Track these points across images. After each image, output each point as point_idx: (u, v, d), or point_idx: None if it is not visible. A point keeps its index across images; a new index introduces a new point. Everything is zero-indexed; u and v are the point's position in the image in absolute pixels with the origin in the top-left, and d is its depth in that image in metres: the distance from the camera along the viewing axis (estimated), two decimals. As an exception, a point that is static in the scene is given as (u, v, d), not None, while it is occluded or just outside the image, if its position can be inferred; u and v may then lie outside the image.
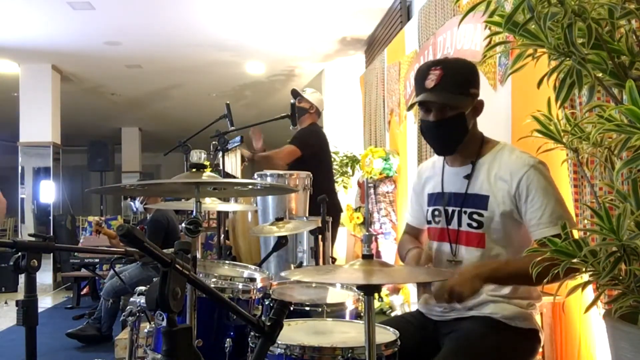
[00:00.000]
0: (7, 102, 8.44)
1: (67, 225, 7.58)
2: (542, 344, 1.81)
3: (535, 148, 1.54)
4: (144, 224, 4.68)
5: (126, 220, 9.31)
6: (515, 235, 1.74)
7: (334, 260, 3.32)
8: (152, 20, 5.68)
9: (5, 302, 6.25)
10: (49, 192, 7.62)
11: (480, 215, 1.74)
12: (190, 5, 5.26)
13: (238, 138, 3.43)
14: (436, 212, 1.87)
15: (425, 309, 1.89)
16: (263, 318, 1.41)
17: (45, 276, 7.29)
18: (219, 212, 3.47)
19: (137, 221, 7.92)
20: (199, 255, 2.10)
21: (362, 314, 1.98)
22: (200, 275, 2.03)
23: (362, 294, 1.57)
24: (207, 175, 1.77)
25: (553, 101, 1.28)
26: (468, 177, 1.78)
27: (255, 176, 3.46)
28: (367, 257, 1.41)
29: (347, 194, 6.20)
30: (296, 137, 3.93)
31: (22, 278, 1.59)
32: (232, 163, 3.96)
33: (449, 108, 1.72)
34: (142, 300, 1.99)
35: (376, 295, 1.34)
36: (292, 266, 3.02)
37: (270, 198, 3.44)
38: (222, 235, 3.46)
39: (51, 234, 4.06)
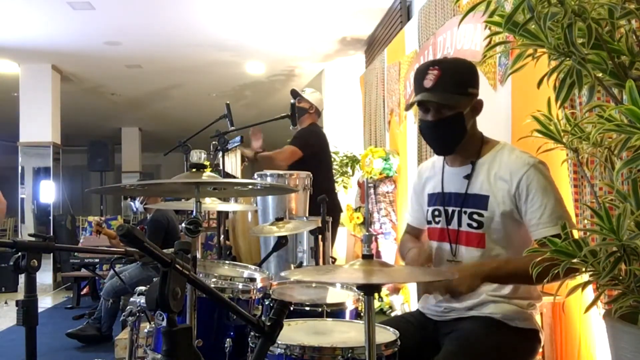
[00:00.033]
0: (7, 102, 8.44)
1: (67, 225, 7.58)
2: (542, 344, 1.81)
3: (535, 148, 1.54)
4: (144, 224, 4.68)
5: (126, 220, 9.31)
6: (515, 235, 1.74)
7: (334, 260, 3.32)
8: (152, 20, 5.68)
9: (5, 302, 6.25)
10: (49, 192, 7.62)
11: (481, 215, 1.74)
12: (190, 5, 5.26)
13: (238, 138, 3.43)
14: (436, 212, 1.87)
15: (426, 309, 1.89)
16: (263, 318, 1.41)
17: (45, 276, 7.29)
18: (219, 212, 3.47)
19: (137, 221, 7.92)
20: (199, 255, 2.10)
21: (362, 314, 1.98)
22: (200, 275, 2.03)
23: (362, 294, 1.57)
24: (207, 175, 1.77)
25: (553, 101, 1.28)
26: (468, 177, 1.78)
27: (255, 176, 3.46)
28: (367, 257, 1.41)
29: (347, 194, 6.20)
30: (296, 137, 3.93)
31: (22, 278, 1.59)
32: (232, 163, 3.96)
33: (446, 108, 1.72)
34: (142, 300, 1.99)
35: (376, 295, 1.34)
36: (292, 266, 3.02)
37: (270, 198, 3.44)
38: (222, 236, 3.46)
39: (51, 234, 4.06)
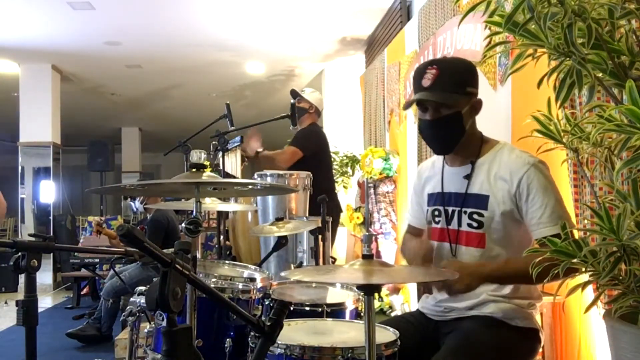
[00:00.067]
0: (7, 102, 8.44)
1: (67, 225, 7.58)
2: (542, 344, 1.81)
3: (535, 148, 1.54)
4: (144, 224, 4.68)
5: (126, 220, 9.31)
6: (516, 235, 1.74)
7: (334, 260, 3.32)
8: (152, 20, 5.68)
9: (5, 302, 6.25)
10: (49, 192, 7.62)
11: (481, 215, 1.74)
12: (190, 5, 5.26)
13: (238, 138, 3.43)
14: (436, 212, 1.87)
15: (426, 309, 1.89)
16: (263, 318, 1.41)
17: (45, 276, 7.29)
18: (219, 212, 3.47)
19: (137, 221, 7.92)
20: (199, 255, 2.10)
21: (362, 314, 1.98)
22: (200, 275, 2.03)
23: (362, 294, 1.57)
24: (207, 175, 1.77)
25: (553, 101, 1.28)
26: (468, 177, 1.78)
27: (255, 176, 3.47)
28: (367, 257, 1.41)
29: (347, 194, 6.20)
30: (297, 137, 3.93)
31: (22, 278, 1.59)
32: (232, 163, 3.96)
33: (445, 107, 1.72)
34: (142, 300, 1.99)
35: (376, 295, 1.34)
36: (292, 266, 3.02)
37: (270, 198, 3.44)
38: (222, 236, 3.46)
39: (51, 234, 4.06)
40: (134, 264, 4.50)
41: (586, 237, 1.35)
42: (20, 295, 1.63)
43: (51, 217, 7.56)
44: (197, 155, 1.83)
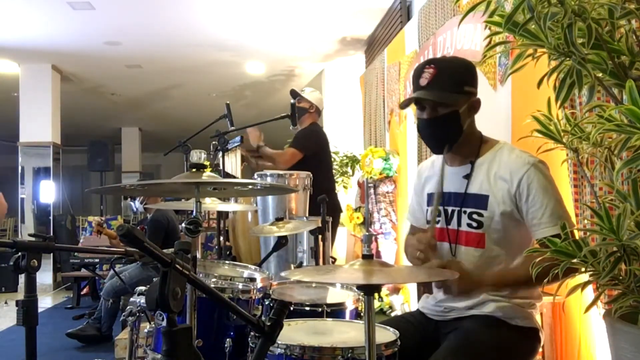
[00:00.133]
0: (7, 102, 8.44)
1: (67, 225, 7.58)
2: (542, 343, 1.81)
3: (535, 148, 1.54)
4: (144, 224, 4.68)
5: (126, 220, 9.32)
6: (515, 235, 1.74)
7: (334, 260, 3.32)
8: (152, 20, 5.68)
9: (5, 302, 6.25)
10: (49, 192, 7.62)
11: (480, 215, 1.74)
12: (190, 5, 5.26)
13: (238, 138, 3.43)
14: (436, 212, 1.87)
15: (426, 308, 1.89)
16: (263, 318, 1.41)
17: (45, 276, 7.28)
18: (219, 212, 3.47)
19: (137, 221, 7.93)
20: (199, 255, 2.10)
21: (362, 314, 1.98)
22: (200, 275, 2.03)
23: (362, 294, 1.57)
24: (207, 175, 1.77)
25: (553, 101, 1.28)
26: (467, 176, 1.78)
27: (255, 176, 3.47)
28: (367, 257, 1.41)
29: (347, 194, 6.20)
30: (297, 137, 3.93)
31: (22, 278, 1.59)
32: (232, 163, 3.97)
33: (442, 106, 1.72)
34: (142, 300, 1.99)
35: (376, 295, 1.34)
36: (292, 266, 3.02)
37: (270, 198, 3.44)
38: (222, 236, 3.46)
39: (51, 234, 4.06)
40: (134, 264, 4.50)
41: (586, 237, 1.35)
42: (20, 295, 1.63)
43: (51, 217, 7.56)
44: (197, 155, 1.83)
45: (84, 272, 5.98)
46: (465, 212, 1.77)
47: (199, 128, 3.48)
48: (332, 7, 5.36)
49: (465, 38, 3.21)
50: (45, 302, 6.47)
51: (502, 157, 1.75)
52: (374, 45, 6.16)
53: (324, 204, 2.74)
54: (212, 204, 2.20)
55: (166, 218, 4.48)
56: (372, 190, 4.89)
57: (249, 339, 1.68)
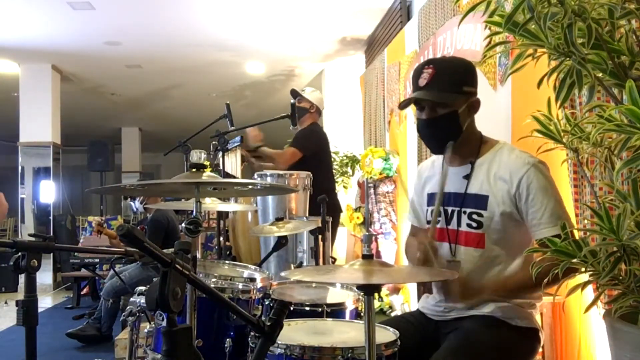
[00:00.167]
0: (7, 102, 8.44)
1: (67, 225, 7.58)
2: (542, 344, 1.81)
3: (535, 148, 1.54)
4: (144, 224, 4.68)
5: (126, 220, 9.32)
6: (515, 235, 1.74)
7: (334, 260, 3.32)
8: (152, 20, 5.68)
9: (5, 302, 6.25)
10: (49, 192, 7.62)
11: (480, 215, 1.74)
12: (190, 5, 5.26)
13: (238, 138, 3.43)
14: (436, 212, 1.87)
15: (426, 308, 1.89)
16: (263, 318, 1.41)
17: (45, 276, 7.28)
18: (219, 212, 3.47)
19: (137, 221, 7.93)
20: (199, 255, 2.10)
21: (362, 314, 1.98)
22: (200, 275, 2.03)
23: (362, 294, 1.57)
24: (207, 175, 1.77)
25: (553, 101, 1.28)
26: (467, 177, 1.78)
27: (255, 176, 3.47)
28: (367, 257, 1.41)
29: (347, 194, 6.20)
30: (297, 137, 3.93)
31: (22, 278, 1.59)
32: (232, 163, 3.96)
33: (440, 106, 1.72)
34: (142, 300, 1.99)
35: (376, 295, 1.34)
36: (292, 266, 3.02)
37: (270, 198, 3.44)
38: (222, 236, 3.46)
39: (51, 234, 4.06)
40: (134, 264, 4.50)
41: (586, 237, 1.35)
42: (20, 295, 1.63)
43: (51, 217, 7.56)
44: (197, 155, 1.83)
45: (84, 272, 5.98)
46: (465, 212, 1.77)
47: (199, 128, 3.48)
48: (332, 7, 5.36)
49: (465, 38, 3.21)
50: (45, 302, 6.47)
51: (502, 158, 1.75)
52: (374, 45, 6.16)
53: (324, 204, 2.74)
54: (212, 204, 2.20)
55: (166, 218, 4.48)
56: (372, 190, 4.89)
57: (249, 339, 1.68)
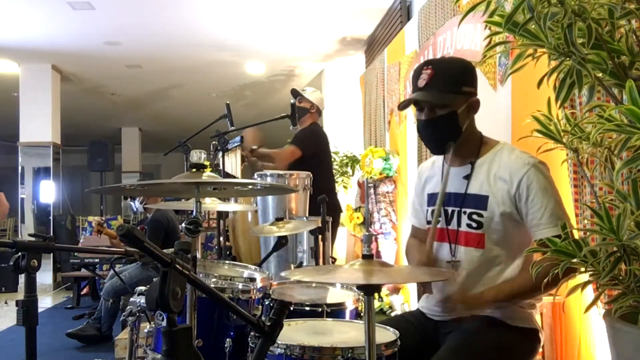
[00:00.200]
0: (7, 102, 8.44)
1: (67, 225, 7.58)
2: (542, 344, 1.81)
3: (535, 148, 1.54)
4: (144, 224, 4.68)
5: (126, 220, 9.32)
6: (515, 235, 1.73)
7: (334, 260, 3.32)
8: (152, 20, 5.68)
9: (5, 302, 6.25)
10: (49, 192, 7.62)
11: (480, 215, 1.74)
12: (190, 5, 5.26)
13: (238, 138, 3.43)
14: (436, 212, 1.87)
15: (426, 308, 1.89)
16: (263, 318, 1.41)
17: (45, 276, 7.29)
18: (219, 212, 3.47)
19: (137, 221, 7.92)
20: (199, 255, 2.10)
21: (362, 314, 1.98)
22: (200, 275, 2.03)
23: (362, 294, 1.57)
24: (207, 175, 1.78)
25: (553, 101, 1.28)
26: (467, 177, 1.78)
27: (255, 176, 3.46)
28: (367, 257, 1.41)
29: (347, 194, 6.20)
30: (297, 137, 3.93)
31: (22, 278, 1.59)
32: (232, 163, 3.96)
33: (439, 107, 1.72)
34: (142, 300, 1.99)
35: (376, 295, 1.34)
36: (292, 266, 3.02)
37: (270, 198, 3.44)
38: (222, 236, 3.46)
39: (51, 234, 4.06)
40: (134, 264, 4.50)
41: (586, 237, 1.35)
42: (20, 295, 1.63)
43: (51, 217, 7.56)
44: (197, 155, 1.83)
45: (84, 272, 5.98)
46: (465, 212, 1.77)
47: (199, 128, 3.48)
48: (332, 7, 5.36)
49: (465, 38, 3.21)
50: (45, 302, 6.47)
51: (502, 158, 1.75)
52: (374, 45, 6.16)
53: (324, 204, 2.74)
54: (212, 204, 2.20)
55: (166, 218, 4.48)
56: (372, 190, 4.89)
57: (249, 339, 1.68)
